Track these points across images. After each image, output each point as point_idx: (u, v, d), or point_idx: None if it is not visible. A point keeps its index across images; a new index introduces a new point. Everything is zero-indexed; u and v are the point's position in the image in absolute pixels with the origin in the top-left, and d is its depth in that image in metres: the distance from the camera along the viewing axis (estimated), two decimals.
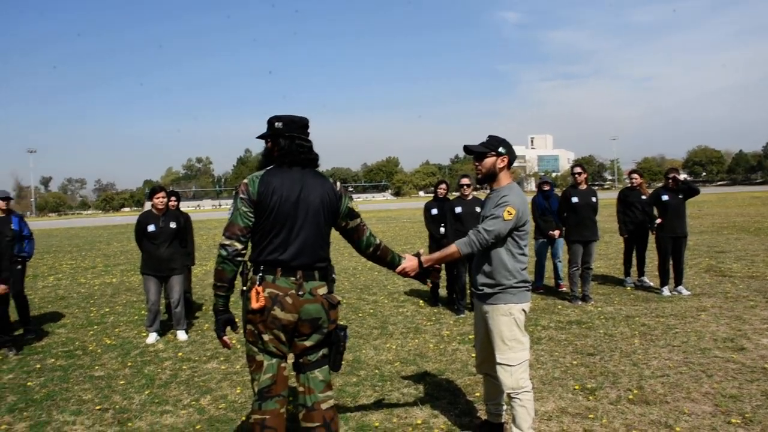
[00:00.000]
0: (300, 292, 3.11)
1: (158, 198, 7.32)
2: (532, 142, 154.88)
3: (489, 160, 3.72)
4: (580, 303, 8.29)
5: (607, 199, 25.61)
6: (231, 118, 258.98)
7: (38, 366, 6.41)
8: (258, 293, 3.11)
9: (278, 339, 3.16)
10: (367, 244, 3.49)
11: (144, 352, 6.80)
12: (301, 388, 3.28)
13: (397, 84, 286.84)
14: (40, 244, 26.28)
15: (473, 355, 6.03)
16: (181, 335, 7.38)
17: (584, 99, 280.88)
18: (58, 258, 19.11)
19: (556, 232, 8.98)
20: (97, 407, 5.06)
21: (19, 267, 7.94)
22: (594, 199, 8.36)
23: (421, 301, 9.04)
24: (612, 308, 7.96)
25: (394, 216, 39.81)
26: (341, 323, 3.37)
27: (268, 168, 3.28)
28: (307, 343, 3.20)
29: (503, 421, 4.06)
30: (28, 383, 5.81)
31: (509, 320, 3.63)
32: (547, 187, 9.45)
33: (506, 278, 3.63)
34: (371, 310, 8.57)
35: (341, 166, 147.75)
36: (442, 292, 9.11)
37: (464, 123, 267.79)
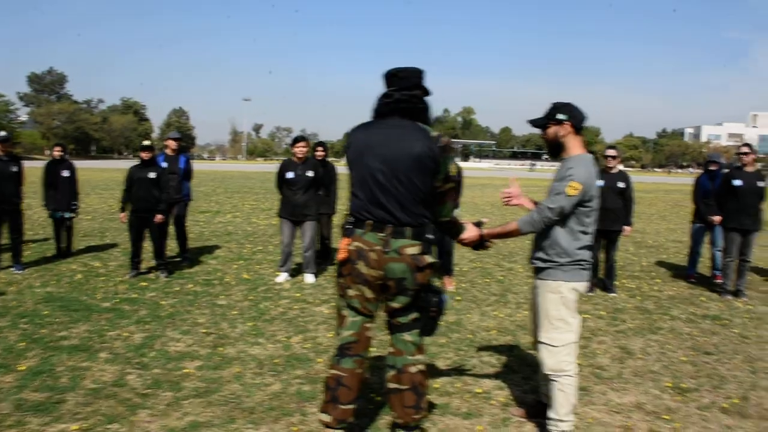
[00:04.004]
0: (386, 249, 3.04)
1: (298, 147, 7.72)
2: (754, 119, 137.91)
3: (550, 130, 3.47)
4: (729, 298, 7.44)
5: None
6: (438, 78, 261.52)
7: (177, 289, 7.17)
8: (344, 246, 3.14)
9: (363, 295, 3.13)
10: (446, 213, 3.27)
11: (269, 290, 7.30)
12: (391, 349, 3.27)
13: (604, 47, 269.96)
14: (235, 184, 28.87)
15: None
16: (308, 278, 7.80)
17: None
18: (244, 198, 20.91)
19: (717, 218, 8.06)
20: (203, 330, 5.58)
21: (183, 202, 8.86)
22: (761, 185, 7.37)
23: None
24: (765, 308, 7.06)
25: None
26: (438, 287, 3.24)
27: (365, 121, 3.25)
28: (395, 305, 3.15)
29: None
30: (161, 302, 6.54)
31: (556, 298, 3.40)
32: (714, 167, 8.47)
33: (559, 256, 3.39)
34: (501, 277, 8.40)
35: (534, 132, 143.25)
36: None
37: (676, 94, 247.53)
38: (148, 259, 8.34)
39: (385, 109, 3.15)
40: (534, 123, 3.54)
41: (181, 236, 8.96)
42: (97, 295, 6.79)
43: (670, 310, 6.79)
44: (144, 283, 7.43)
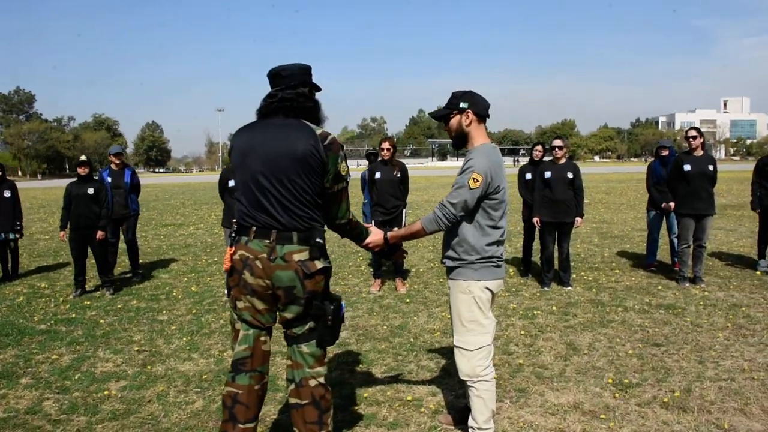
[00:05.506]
0: (271, 257, 2.83)
1: None
2: (725, 105, 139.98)
3: (453, 120, 3.28)
4: (687, 285, 7.32)
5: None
6: (406, 78, 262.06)
7: (119, 306, 6.91)
8: (228, 255, 2.94)
9: (254, 307, 2.92)
10: (341, 215, 3.07)
11: (216, 302, 7.07)
12: (289, 362, 3.03)
13: (576, 39, 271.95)
14: (205, 195, 28.50)
15: (522, 332, 5.58)
16: None
17: None
18: (212, 209, 20.55)
19: (671, 204, 7.95)
20: (136, 348, 5.35)
21: (132, 217, 8.60)
22: (711, 168, 7.26)
23: (512, 270, 8.51)
24: (722, 294, 6.93)
25: None
26: (334, 294, 3.04)
27: (249, 122, 3.04)
28: (287, 315, 2.92)
29: None
30: (100, 321, 6.29)
31: (468, 299, 3.20)
32: (665, 153, 8.37)
33: (468, 253, 3.20)
34: None
35: (513, 128, 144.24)
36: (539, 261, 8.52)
37: (648, 83, 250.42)
38: (97, 277, 8.08)
39: (268, 109, 2.95)
40: (436, 115, 3.35)
41: (132, 251, 8.69)
42: (35, 317, 6.52)
43: (624, 302, 6.64)
44: (87, 302, 7.17)
